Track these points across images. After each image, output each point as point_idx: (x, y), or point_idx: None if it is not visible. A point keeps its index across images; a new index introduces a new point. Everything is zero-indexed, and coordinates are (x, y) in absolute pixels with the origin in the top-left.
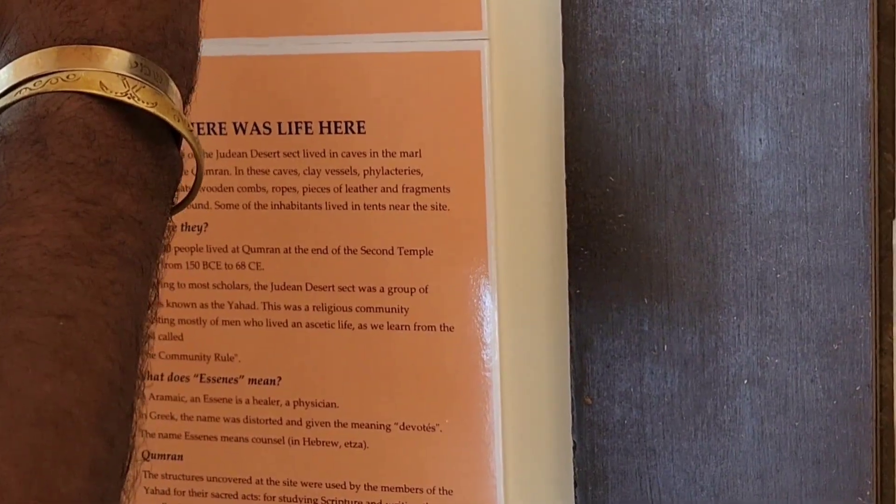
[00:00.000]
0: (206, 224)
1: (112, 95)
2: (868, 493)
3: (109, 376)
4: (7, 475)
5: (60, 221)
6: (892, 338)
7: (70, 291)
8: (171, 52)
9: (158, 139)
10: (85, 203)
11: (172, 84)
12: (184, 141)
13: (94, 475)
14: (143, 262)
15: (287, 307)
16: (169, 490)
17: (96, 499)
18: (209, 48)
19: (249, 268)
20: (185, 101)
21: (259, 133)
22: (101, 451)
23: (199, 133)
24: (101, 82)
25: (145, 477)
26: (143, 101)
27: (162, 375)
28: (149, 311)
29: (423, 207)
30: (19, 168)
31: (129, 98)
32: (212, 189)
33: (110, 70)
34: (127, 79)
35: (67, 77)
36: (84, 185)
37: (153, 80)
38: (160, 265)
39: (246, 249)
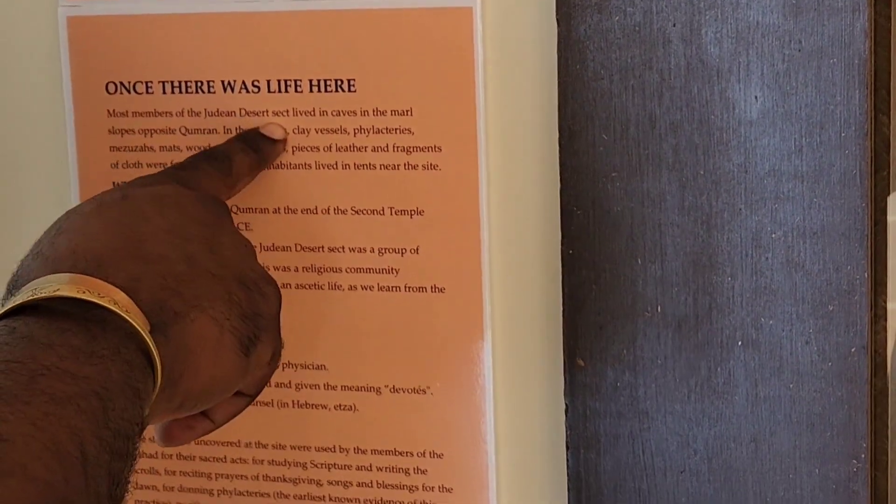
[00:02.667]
0: None
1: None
2: (862, 455)
3: (50, 482)
4: None
5: None
6: (885, 302)
7: (2, 423)
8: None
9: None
10: (10, 363)
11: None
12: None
13: None
14: (81, 402)
15: (276, 268)
16: (156, 453)
17: None
18: (198, 5)
19: (238, 228)
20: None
21: (248, 91)
22: None
23: (186, 91)
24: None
25: None
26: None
27: None
28: (104, 437)
29: (415, 167)
30: None
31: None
32: (200, 149)
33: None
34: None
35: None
36: (9, 352)
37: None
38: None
39: (235, 210)
